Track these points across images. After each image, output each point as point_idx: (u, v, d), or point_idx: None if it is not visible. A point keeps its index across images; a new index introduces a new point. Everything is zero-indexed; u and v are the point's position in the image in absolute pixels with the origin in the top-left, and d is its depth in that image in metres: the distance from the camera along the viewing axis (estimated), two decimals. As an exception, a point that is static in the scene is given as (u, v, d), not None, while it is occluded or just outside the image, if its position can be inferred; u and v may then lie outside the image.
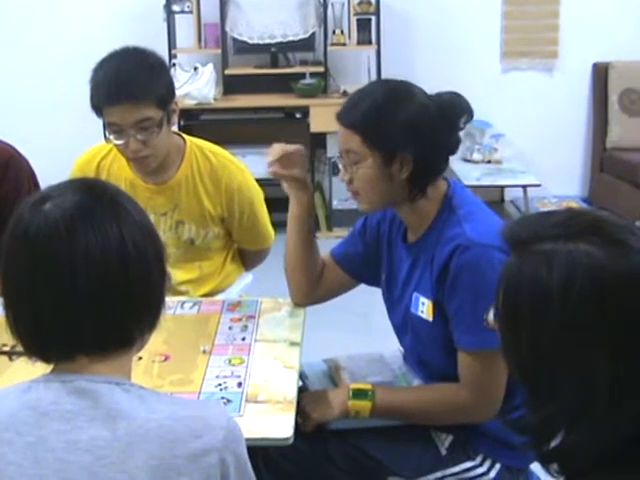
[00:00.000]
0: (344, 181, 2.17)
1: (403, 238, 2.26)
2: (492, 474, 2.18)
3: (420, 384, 2.26)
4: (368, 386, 2.17)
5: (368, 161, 2.08)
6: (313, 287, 2.47)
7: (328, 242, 6.33)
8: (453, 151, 2.15)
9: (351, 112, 2.10)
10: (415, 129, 2.05)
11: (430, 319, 2.13)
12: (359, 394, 2.15)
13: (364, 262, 2.42)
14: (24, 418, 1.32)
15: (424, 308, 2.15)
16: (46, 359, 1.39)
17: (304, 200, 2.45)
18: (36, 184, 2.92)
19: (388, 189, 2.11)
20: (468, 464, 2.18)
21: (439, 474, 2.18)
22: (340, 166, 2.18)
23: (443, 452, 2.18)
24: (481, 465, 2.18)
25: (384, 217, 2.33)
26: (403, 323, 2.26)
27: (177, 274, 2.82)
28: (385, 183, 2.09)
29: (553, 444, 1.25)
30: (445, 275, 2.06)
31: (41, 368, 1.42)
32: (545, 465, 1.28)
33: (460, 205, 2.13)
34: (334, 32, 6.10)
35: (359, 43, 6.09)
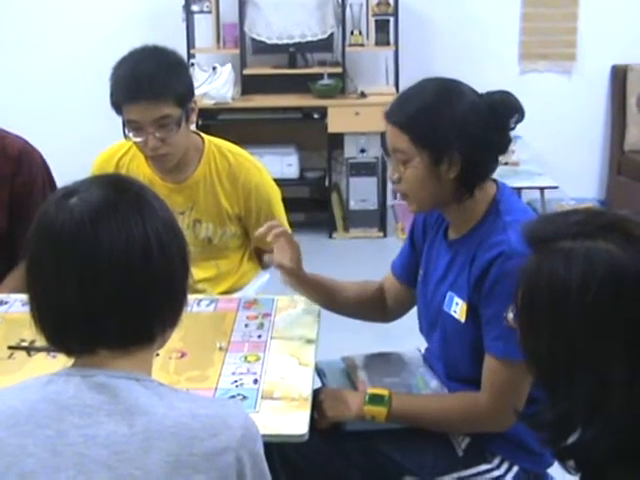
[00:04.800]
0: (392, 180, 2.14)
1: (444, 234, 2.24)
2: (509, 477, 2.16)
3: (437, 385, 2.25)
4: (385, 391, 2.15)
5: (416, 160, 2.05)
6: (380, 313, 2.51)
7: (345, 243, 6.38)
8: (503, 151, 2.12)
9: (400, 111, 2.08)
10: (464, 129, 2.03)
11: (462, 320, 2.11)
12: (375, 399, 2.13)
13: (417, 266, 2.38)
14: (44, 411, 1.32)
15: (457, 308, 2.12)
16: (68, 352, 1.40)
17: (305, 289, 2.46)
18: (50, 177, 2.94)
19: (436, 189, 2.08)
20: (485, 466, 2.17)
21: (455, 475, 2.17)
22: (388, 165, 2.17)
23: (460, 453, 2.17)
24: (498, 468, 2.17)
25: (431, 213, 2.29)
26: (434, 320, 2.24)
27: (194, 272, 2.81)
28: (433, 183, 2.07)
29: (570, 440, 1.25)
30: (484, 280, 2.03)
31: (59, 364, 1.43)
32: (562, 462, 1.28)
33: (508, 211, 2.09)
34: (352, 33, 6.10)
35: (377, 44, 6.09)
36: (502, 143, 2.12)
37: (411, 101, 2.08)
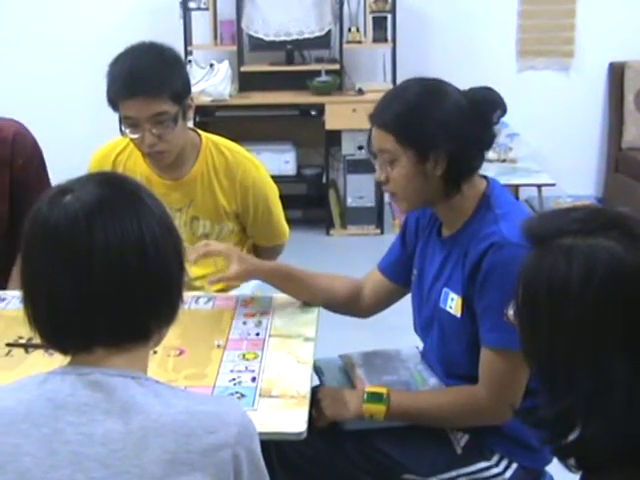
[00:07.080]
0: (380, 181, 2.17)
1: (438, 232, 2.25)
2: (508, 474, 2.16)
3: (436, 383, 2.25)
4: (383, 389, 2.15)
5: (402, 160, 2.08)
6: (351, 307, 2.49)
7: (342, 240, 6.38)
8: (488, 146, 2.16)
9: (383, 112, 2.11)
10: (448, 127, 2.05)
11: (458, 315, 2.12)
12: (374, 397, 2.13)
13: (407, 265, 2.39)
14: (40, 410, 1.32)
15: (453, 304, 2.14)
16: (63, 350, 1.39)
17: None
18: (42, 157, 2.91)
19: (423, 186, 2.10)
20: (483, 464, 2.16)
21: (454, 473, 2.16)
22: (376, 166, 2.18)
23: (459, 451, 2.16)
24: (497, 465, 2.16)
25: (424, 213, 2.31)
26: (430, 318, 2.25)
27: (192, 269, 2.81)
28: (420, 181, 2.09)
29: (570, 438, 1.24)
30: (477, 272, 2.04)
31: (56, 361, 1.42)
32: (562, 460, 1.28)
33: (498, 205, 2.12)
34: (350, 30, 6.09)
35: (375, 41, 6.09)
36: (486, 139, 2.15)
37: (394, 102, 2.11)
